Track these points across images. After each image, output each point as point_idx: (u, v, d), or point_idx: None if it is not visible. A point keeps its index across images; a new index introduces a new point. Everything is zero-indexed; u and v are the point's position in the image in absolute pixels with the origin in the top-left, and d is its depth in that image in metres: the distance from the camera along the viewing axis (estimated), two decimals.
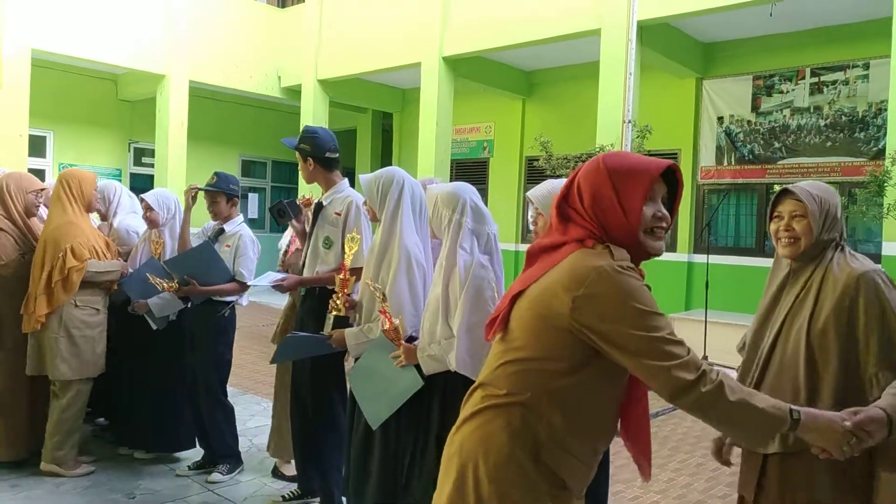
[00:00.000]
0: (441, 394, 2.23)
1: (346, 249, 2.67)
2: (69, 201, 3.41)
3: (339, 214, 2.96)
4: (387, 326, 2.33)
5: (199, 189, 3.55)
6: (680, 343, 1.29)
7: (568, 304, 1.30)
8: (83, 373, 3.38)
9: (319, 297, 2.98)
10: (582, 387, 1.33)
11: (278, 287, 2.98)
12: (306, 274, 3.03)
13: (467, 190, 2.31)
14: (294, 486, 3.25)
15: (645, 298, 1.29)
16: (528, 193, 2.17)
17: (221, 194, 3.49)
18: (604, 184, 1.36)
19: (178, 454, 3.76)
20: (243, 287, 3.42)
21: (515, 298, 1.42)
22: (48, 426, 3.36)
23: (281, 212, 3.19)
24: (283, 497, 3.18)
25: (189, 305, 3.62)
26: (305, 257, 3.07)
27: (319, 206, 3.06)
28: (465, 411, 1.45)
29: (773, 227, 1.82)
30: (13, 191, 3.46)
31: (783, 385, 1.71)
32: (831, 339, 1.66)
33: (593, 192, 1.37)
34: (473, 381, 2.07)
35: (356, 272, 2.74)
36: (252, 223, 3.30)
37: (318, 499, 3.12)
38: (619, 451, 3.92)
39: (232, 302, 3.50)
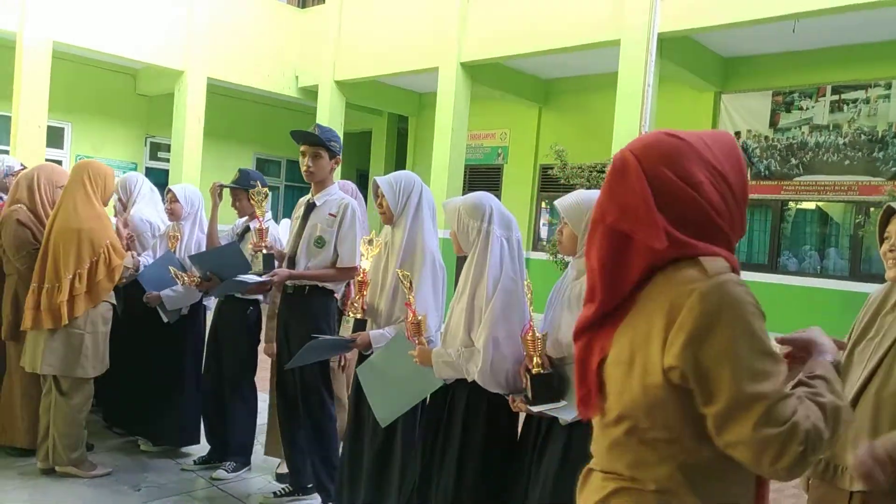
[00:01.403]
0: (464, 407, 2.21)
1: (364, 252, 2.65)
2: (94, 195, 3.26)
3: (333, 216, 2.98)
4: (410, 318, 2.30)
5: (224, 186, 3.55)
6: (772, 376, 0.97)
7: (661, 344, 1.02)
8: (100, 369, 3.29)
9: (309, 295, 3.00)
10: (721, 454, 1.02)
11: (269, 281, 2.99)
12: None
13: (489, 197, 2.29)
14: (285, 484, 3.24)
15: (759, 323, 0.99)
16: (556, 202, 2.10)
17: (244, 191, 3.49)
18: (742, 173, 1.11)
19: (183, 449, 3.76)
20: (264, 285, 3.40)
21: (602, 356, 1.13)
22: (58, 427, 3.20)
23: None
24: (274, 493, 3.18)
25: (202, 300, 3.63)
26: (295, 255, 3.05)
27: (312, 206, 3.07)
28: (584, 502, 1.17)
29: (882, 248, 1.62)
30: (43, 183, 3.40)
31: (881, 423, 1.51)
32: None
33: (740, 183, 1.12)
34: (495, 396, 2.11)
35: (350, 274, 2.76)
36: None
37: (309, 495, 3.12)
38: None
39: (258, 300, 3.51)
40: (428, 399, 2.42)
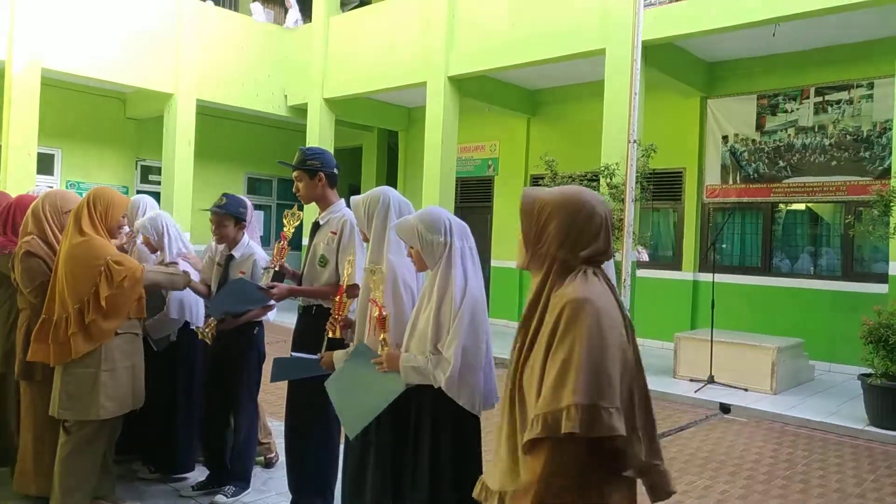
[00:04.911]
0: (431, 419, 2.23)
1: (344, 272, 2.65)
2: (90, 222, 3.04)
3: (334, 234, 3.00)
4: (376, 314, 2.29)
5: (213, 210, 3.42)
6: None
7: None
8: (125, 407, 3.06)
9: (316, 315, 3.03)
10: None
11: (270, 294, 3.00)
12: None
13: (442, 210, 2.32)
14: None
15: None
16: None
17: (230, 217, 3.38)
18: None
19: (182, 475, 3.71)
20: (268, 307, 3.37)
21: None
22: (58, 466, 2.98)
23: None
24: None
25: (187, 326, 3.62)
26: (302, 274, 3.12)
27: (317, 225, 3.10)
28: None
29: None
30: (48, 211, 3.23)
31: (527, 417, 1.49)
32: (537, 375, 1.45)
33: None
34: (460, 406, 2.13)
35: (352, 293, 2.74)
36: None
37: None
38: None
39: (261, 321, 3.49)
40: (384, 416, 2.38)
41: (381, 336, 2.29)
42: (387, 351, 2.26)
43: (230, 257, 3.44)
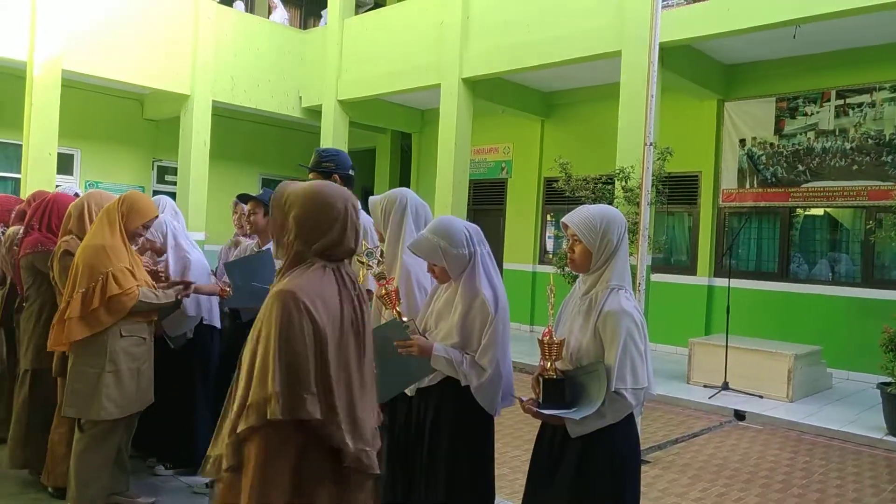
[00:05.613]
0: (441, 413, 2.24)
1: (359, 274, 2.65)
2: (113, 224, 3.06)
3: None
4: (382, 292, 2.24)
5: (248, 197, 3.57)
6: None
7: None
8: (128, 409, 3.07)
9: None
10: None
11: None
12: None
13: (454, 219, 2.30)
14: None
15: None
16: (565, 219, 2.08)
17: (261, 206, 3.46)
18: None
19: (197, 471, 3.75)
20: None
21: None
22: (73, 462, 3.03)
23: None
24: None
25: (202, 321, 3.65)
26: None
27: None
28: None
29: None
30: (94, 210, 3.22)
31: None
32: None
33: None
34: (472, 410, 2.16)
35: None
36: None
37: None
38: (651, 484, 3.83)
39: None
40: (394, 415, 2.38)
41: (395, 310, 2.23)
42: (419, 338, 2.20)
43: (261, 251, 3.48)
